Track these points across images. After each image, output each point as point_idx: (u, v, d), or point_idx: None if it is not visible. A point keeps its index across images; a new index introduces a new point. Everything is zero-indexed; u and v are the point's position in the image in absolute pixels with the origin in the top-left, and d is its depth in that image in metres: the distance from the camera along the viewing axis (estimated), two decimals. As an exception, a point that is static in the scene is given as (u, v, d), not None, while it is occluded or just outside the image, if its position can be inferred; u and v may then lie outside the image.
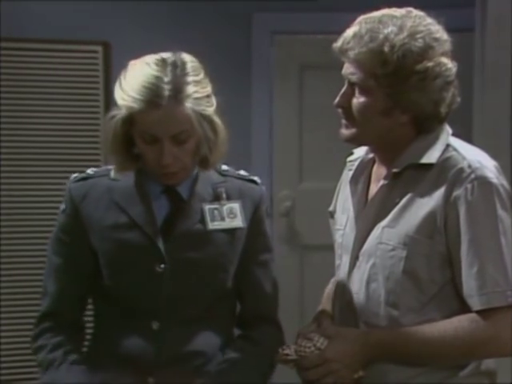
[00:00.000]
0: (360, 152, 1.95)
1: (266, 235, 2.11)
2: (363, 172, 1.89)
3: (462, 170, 1.75)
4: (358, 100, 1.76)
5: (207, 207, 2.02)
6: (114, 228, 2.01)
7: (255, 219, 2.06)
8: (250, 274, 2.08)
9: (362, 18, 1.77)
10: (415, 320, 1.78)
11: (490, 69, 3.20)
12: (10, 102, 3.67)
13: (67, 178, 3.78)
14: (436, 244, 1.76)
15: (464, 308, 1.75)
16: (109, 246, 2.02)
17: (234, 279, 2.06)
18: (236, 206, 2.03)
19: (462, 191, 1.74)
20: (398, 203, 1.79)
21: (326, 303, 1.99)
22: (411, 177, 1.79)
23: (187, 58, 1.97)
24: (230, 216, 2.03)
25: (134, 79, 1.88)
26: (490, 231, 1.74)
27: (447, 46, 1.73)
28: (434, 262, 1.77)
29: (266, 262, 2.10)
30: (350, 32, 1.74)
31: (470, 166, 1.74)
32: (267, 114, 4.18)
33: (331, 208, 2.04)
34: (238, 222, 2.03)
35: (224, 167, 2.10)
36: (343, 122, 1.82)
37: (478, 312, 1.71)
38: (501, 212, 1.74)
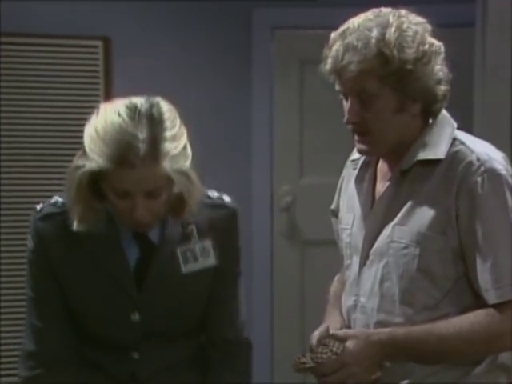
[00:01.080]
0: None
1: (236, 261, 2.06)
2: (368, 170, 1.87)
3: (471, 163, 1.74)
4: (369, 109, 1.74)
5: (179, 250, 1.96)
6: (85, 275, 1.96)
7: (226, 247, 2.01)
8: (217, 297, 2.04)
9: (339, 32, 1.76)
10: (430, 317, 1.77)
11: (491, 64, 3.20)
12: (10, 97, 3.67)
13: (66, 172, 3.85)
14: (449, 239, 1.75)
15: (477, 302, 1.75)
16: (80, 293, 1.98)
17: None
18: (208, 243, 1.97)
19: (472, 185, 1.74)
20: (407, 200, 1.78)
21: (334, 304, 1.97)
22: (419, 173, 1.78)
23: (164, 106, 1.84)
24: (203, 255, 1.98)
25: (106, 132, 1.75)
26: (503, 224, 1.74)
27: (428, 27, 1.74)
28: (447, 257, 1.77)
29: (235, 285, 2.07)
30: (337, 49, 1.72)
31: (478, 159, 1.74)
32: (267, 109, 4.18)
33: (333, 206, 2.03)
34: (212, 260, 1.98)
35: None
36: (358, 138, 1.79)
37: (493, 306, 1.71)
38: (511, 203, 1.74)
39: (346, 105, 1.78)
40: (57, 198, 1.97)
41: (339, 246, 2.02)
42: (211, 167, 3.84)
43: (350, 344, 1.72)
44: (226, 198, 2.03)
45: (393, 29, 1.69)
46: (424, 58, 1.71)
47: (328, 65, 1.75)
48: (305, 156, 4.22)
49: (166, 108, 1.83)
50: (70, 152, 3.69)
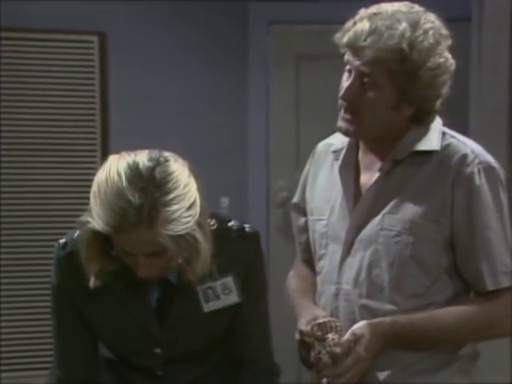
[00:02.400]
0: (335, 140, 1.95)
1: (260, 288, 2.02)
2: (350, 161, 1.88)
3: (466, 155, 1.78)
4: (367, 94, 1.75)
5: (200, 288, 1.92)
6: (107, 313, 1.95)
7: (249, 280, 1.97)
8: (242, 326, 2.00)
9: (370, 12, 1.75)
10: (417, 304, 1.81)
11: (488, 58, 3.21)
12: (6, 92, 3.67)
13: (63, 167, 3.79)
14: (442, 228, 1.78)
15: (464, 290, 1.81)
16: (103, 329, 1.98)
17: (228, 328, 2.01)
18: (229, 280, 1.93)
19: (469, 175, 1.77)
20: (399, 190, 1.80)
21: (304, 297, 1.97)
22: (411, 163, 1.80)
23: (170, 166, 1.75)
24: (225, 292, 1.94)
25: (105, 194, 1.71)
26: (497, 215, 1.78)
27: (449, 41, 1.76)
28: (439, 246, 1.79)
29: (259, 313, 2.02)
30: (363, 27, 1.71)
31: (473, 152, 1.78)
32: (263, 103, 4.18)
33: (297, 200, 2.04)
34: (234, 297, 1.94)
35: (212, 225, 1.93)
36: (344, 115, 1.81)
37: (486, 293, 1.77)
38: (503, 196, 1.79)
39: (347, 80, 1.78)
40: (78, 232, 1.92)
41: (299, 240, 2.05)
42: (207, 162, 3.82)
43: (360, 339, 1.74)
44: (247, 228, 1.97)
45: (420, 31, 1.70)
46: (436, 70, 1.72)
47: (347, 38, 1.74)
48: (301, 151, 4.18)
49: (173, 167, 1.76)
50: (66, 147, 3.68)
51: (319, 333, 1.79)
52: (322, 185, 1.95)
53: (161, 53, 3.94)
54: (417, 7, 1.77)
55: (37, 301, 3.64)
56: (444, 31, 1.75)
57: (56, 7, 3.75)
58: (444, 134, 1.85)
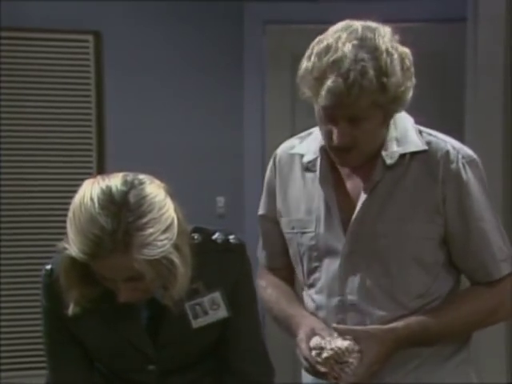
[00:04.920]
0: (301, 149, 1.90)
1: (248, 300, 1.99)
2: (327, 171, 1.85)
3: (448, 152, 1.80)
4: (359, 129, 1.72)
5: (187, 305, 1.91)
6: (99, 334, 1.93)
7: (237, 293, 1.95)
8: (232, 341, 1.98)
9: (323, 63, 1.67)
10: (422, 303, 1.83)
11: (483, 58, 3.21)
12: (2, 91, 3.69)
13: (58, 166, 3.77)
14: (436, 226, 1.80)
15: (458, 281, 1.87)
16: (95, 349, 1.96)
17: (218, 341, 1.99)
18: (217, 295, 1.92)
19: (456, 171, 1.79)
20: (392, 195, 1.80)
21: (292, 306, 1.94)
22: (398, 166, 1.80)
23: (145, 188, 1.74)
24: (213, 308, 1.93)
25: (78, 220, 1.69)
26: (487, 205, 1.82)
27: (396, 37, 1.72)
28: (435, 243, 1.81)
29: (249, 323, 1.99)
30: (337, 86, 1.65)
31: (454, 148, 1.81)
32: (259, 103, 4.20)
33: (264, 212, 1.98)
34: (223, 311, 1.93)
35: (196, 239, 1.91)
36: (341, 154, 1.77)
37: (487, 282, 1.82)
38: (486, 186, 1.84)
39: (332, 128, 1.74)
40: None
41: (271, 250, 1.98)
42: (203, 162, 3.88)
43: (370, 343, 1.75)
44: (232, 239, 1.94)
45: (384, 55, 1.67)
46: (408, 71, 1.72)
47: (324, 101, 1.68)
48: None
49: (147, 190, 1.73)
50: (63, 146, 3.68)
51: (337, 366, 1.77)
52: (297, 196, 1.91)
53: (156, 52, 3.94)
54: (353, 23, 1.73)
55: (37, 300, 3.59)
56: (387, 29, 1.72)
57: (53, 7, 3.77)
58: (420, 132, 1.85)
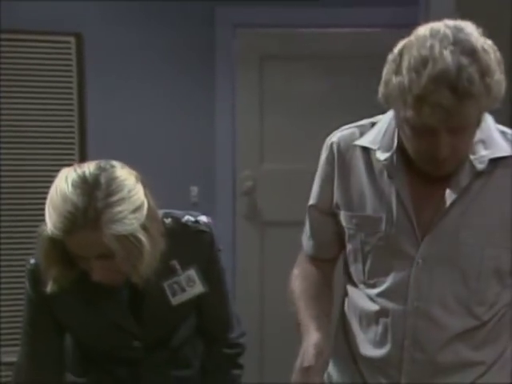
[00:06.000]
0: (367, 142, 1.73)
1: (219, 275, 2.04)
2: (401, 169, 1.68)
3: None
4: (461, 137, 1.55)
5: (166, 284, 1.95)
6: (83, 318, 1.95)
7: (209, 269, 1.99)
8: (206, 307, 2.03)
9: (433, 75, 1.45)
10: (492, 314, 1.72)
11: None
12: None
13: (42, 160, 3.81)
14: None
15: None
16: (81, 332, 1.99)
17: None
18: (192, 272, 1.96)
19: None
20: (475, 201, 1.66)
21: (311, 319, 1.74)
22: (487, 172, 1.65)
23: (115, 170, 1.78)
24: (190, 284, 1.97)
25: (54, 200, 1.74)
26: None
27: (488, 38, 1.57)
28: (510, 252, 1.69)
29: (220, 294, 2.06)
30: (446, 99, 1.46)
31: None
32: (230, 100, 4.20)
33: (315, 202, 1.83)
34: (199, 287, 1.97)
35: (168, 224, 1.95)
36: (435, 164, 1.59)
37: None
38: None
39: (429, 140, 1.55)
40: None
41: (318, 239, 1.85)
42: (178, 155, 4.05)
43: None
44: (202, 220, 2.00)
45: (482, 54, 1.50)
46: (502, 68, 1.54)
47: (436, 117, 1.48)
48: (265, 144, 4.28)
49: (118, 173, 1.78)
50: (46, 141, 3.75)
51: None
52: (361, 191, 1.73)
53: (134, 53, 3.99)
54: (441, 28, 1.52)
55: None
56: (474, 29, 1.54)
57: (37, 10, 3.81)
58: (503, 132, 1.71)
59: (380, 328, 1.74)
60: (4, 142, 3.74)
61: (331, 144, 1.79)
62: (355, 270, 1.79)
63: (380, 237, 1.70)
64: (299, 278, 1.85)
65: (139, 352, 1.98)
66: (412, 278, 1.68)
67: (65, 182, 1.73)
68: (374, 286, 1.74)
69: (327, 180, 1.80)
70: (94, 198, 1.70)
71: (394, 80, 1.51)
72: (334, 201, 1.79)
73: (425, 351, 1.70)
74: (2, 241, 3.79)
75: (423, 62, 1.48)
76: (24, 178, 3.82)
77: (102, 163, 1.77)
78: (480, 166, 1.64)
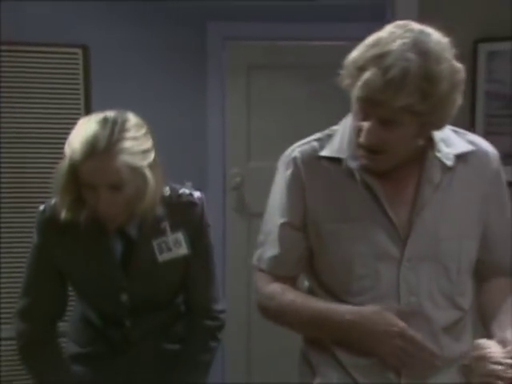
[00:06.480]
0: (333, 152, 1.69)
1: (206, 247, 2.08)
2: (371, 177, 1.66)
3: (489, 152, 1.71)
4: (391, 134, 1.54)
5: (155, 243, 2.00)
6: (80, 265, 2.00)
7: (197, 238, 2.05)
8: (192, 276, 2.09)
9: (373, 54, 1.47)
10: (470, 303, 1.73)
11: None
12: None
13: (50, 172, 3.49)
14: (482, 223, 1.71)
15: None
16: (77, 279, 2.04)
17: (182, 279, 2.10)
18: (179, 235, 2.01)
19: (496, 169, 1.71)
20: (447, 197, 1.65)
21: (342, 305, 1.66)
22: (442, 167, 1.65)
23: (130, 117, 1.88)
24: (176, 246, 2.01)
25: (78, 135, 1.83)
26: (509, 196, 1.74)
27: (451, 48, 1.55)
28: (478, 243, 1.71)
29: (206, 265, 2.11)
30: (376, 80, 1.46)
31: (488, 147, 1.72)
32: (220, 104, 4.30)
33: (288, 219, 1.73)
34: (183, 249, 2.02)
35: (166, 190, 2.01)
36: (367, 155, 1.59)
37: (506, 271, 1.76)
38: None
39: (363, 123, 1.55)
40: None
41: (289, 257, 1.75)
42: (175, 154, 4.08)
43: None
44: (196, 194, 2.06)
45: (432, 61, 1.47)
46: (456, 87, 1.52)
47: (360, 91, 1.49)
48: (251, 144, 4.38)
49: (132, 118, 1.88)
50: (55, 151, 3.44)
51: (481, 355, 1.58)
52: (338, 202, 1.67)
53: (134, 64, 4.07)
54: (410, 25, 1.53)
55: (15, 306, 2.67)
56: (444, 40, 1.54)
57: (43, 22, 3.88)
58: (455, 131, 1.71)
59: None
60: (8, 151, 3.62)
61: (294, 159, 1.72)
62: (333, 282, 1.70)
63: (364, 243, 1.64)
64: (288, 290, 1.74)
65: (125, 309, 2.00)
66: (401, 278, 1.64)
67: (87, 120, 1.85)
68: (360, 294, 1.67)
69: (298, 195, 1.71)
70: (112, 131, 1.81)
71: (352, 53, 1.53)
72: (310, 216, 1.70)
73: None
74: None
75: (377, 41, 1.49)
76: (24, 195, 3.61)
77: (120, 111, 1.88)
78: (449, 163, 1.63)
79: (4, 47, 3.61)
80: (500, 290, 1.75)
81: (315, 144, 1.73)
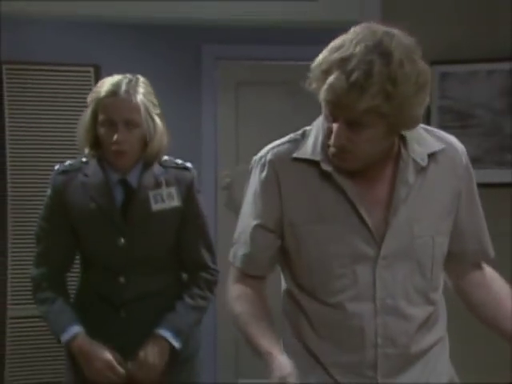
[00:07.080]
0: (306, 154, 1.66)
1: (197, 207, 2.27)
2: (344, 177, 1.63)
3: (458, 148, 1.70)
4: (359, 136, 1.51)
5: (151, 193, 2.20)
6: (86, 212, 2.20)
7: (188, 197, 2.25)
8: (187, 234, 2.26)
9: (333, 57, 1.46)
10: (439, 295, 1.72)
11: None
12: (12, 120, 3.73)
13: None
14: (453, 218, 1.69)
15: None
16: (82, 225, 2.22)
17: (177, 239, 2.27)
18: (173, 190, 2.22)
19: (466, 166, 1.70)
20: (421, 195, 1.64)
21: (268, 339, 1.63)
22: (416, 167, 1.63)
23: (143, 79, 2.20)
24: (169, 198, 2.20)
25: (102, 84, 2.16)
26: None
27: (418, 49, 1.53)
28: (449, 237, 1.70)
29: (199, 224, 2.29)
30: (339, 84, 1.44)
31: (456, 143, 1.72)
32: (213, 116, 4.58)
33: (261, 221, 1.68)
34: (175, 202, 2.21)
35: (164, 158, 2.26)
36: (337, 154, 1.56)
37: (478, 264, 1.76)
38: None
39: (332, 125, 1.53)
40: (69, 162, 2.29)
41: (260, 256, 1.72)
42: (172, 156, 3.85)
43: None
44: (188, 165, 2.34)
45: (395, 62, 1.44)
46: (421, 88, 1.49)
47: (325, 95, 1.47)
48: (240, 149, 4.65)
49: (145, 81, 2.20)
50: (65, 156, 3.32)
51: None
52: (317, 203, 1.63)
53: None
54: (375, 26, 1.50)
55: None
56: (409, 41, 1.51)
57: (57, 43, 4.10)
58: (427, 130, 1.69)
59: (350, 333, 1.64)
60: (20, 169, 3.72)
61: (269, 162, 1.67)
62: (313, 281, 1.67)
63: (341, 243, 1.62)
64: (240, 301, 1.71)
65: (122, 260, 2.15)
66: (377, 278, 1.62)
67: (111, 77, 2.19)
68: (336, 294, 1.64)
69: (272, 198, 1.67)
70: (130, 81, 2.15)
71: (318, 57, 1.51)
72: (286, 217, 1.66)
73: (396, 345, 1.64)
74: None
75: (340, 45, 1.47)
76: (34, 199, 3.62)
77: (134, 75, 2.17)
78: (423, 163, 1.61)
79: (21, 66, 3.77)
80: (492, 280, 1.76)
81: (289, 145, 1.69)
